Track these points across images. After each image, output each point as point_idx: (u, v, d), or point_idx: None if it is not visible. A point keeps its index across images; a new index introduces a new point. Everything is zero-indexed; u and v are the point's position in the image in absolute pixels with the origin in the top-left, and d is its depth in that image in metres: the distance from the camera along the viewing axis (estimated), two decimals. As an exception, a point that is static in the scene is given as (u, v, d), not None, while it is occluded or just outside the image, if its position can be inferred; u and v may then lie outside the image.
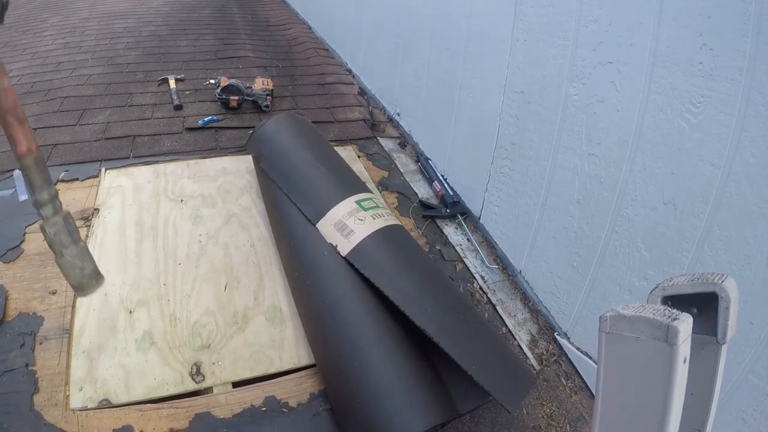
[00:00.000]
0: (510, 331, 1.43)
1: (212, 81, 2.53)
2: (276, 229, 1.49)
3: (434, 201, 1.90)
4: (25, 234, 1.45)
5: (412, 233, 1.59)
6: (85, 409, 1.06)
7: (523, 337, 1.41)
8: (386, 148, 2.22)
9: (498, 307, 1.49)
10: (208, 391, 1.14)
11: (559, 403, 1.25)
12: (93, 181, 1.72)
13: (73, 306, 1.26)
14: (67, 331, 1.20)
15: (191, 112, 2.25)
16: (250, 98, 2.33)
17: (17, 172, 1.69)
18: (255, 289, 1.39)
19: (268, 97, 2.35)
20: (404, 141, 2.30)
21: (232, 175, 1.83)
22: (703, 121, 0.96)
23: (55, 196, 0.87)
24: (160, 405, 1.09)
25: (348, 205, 1.32)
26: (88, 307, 1.26)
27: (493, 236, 1.69)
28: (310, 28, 3.82)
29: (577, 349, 1.34)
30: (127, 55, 2.86)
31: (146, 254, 1.44)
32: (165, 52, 2.97)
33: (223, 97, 2.28)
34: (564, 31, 1.25)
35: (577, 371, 1.34)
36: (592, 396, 0.90)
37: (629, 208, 1.14)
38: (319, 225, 1.30)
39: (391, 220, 1.33)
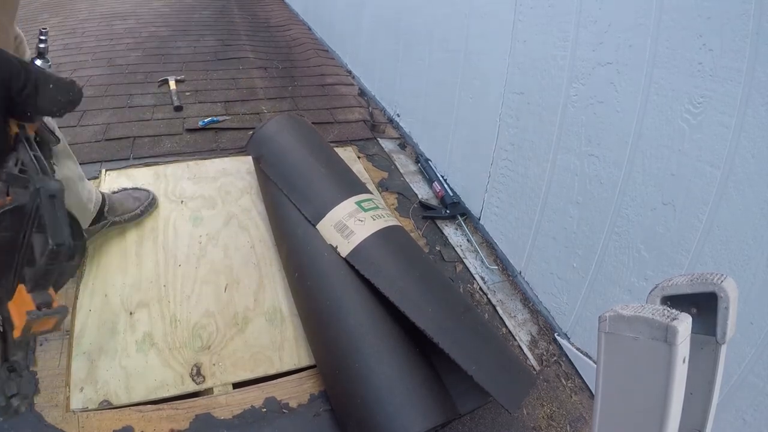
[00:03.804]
0: (510, 331, 1.43)
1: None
2: (276, 230, 1.49)
3: (434, 202, 1.90)
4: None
5: (412, 234, 1.59)
6: (86, 410, 1.06)
7: (523, 338, 1.41)
8: (386, 149, 2.22)
9: (498, 308, 1.49)
10: (208, 392, 1.14)
11: (559, 403, 1.25)
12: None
13: (74, 307, 1.26)
14: (68, 333, 1.20)
15: (191, 113, 2.25)
16: None
17: None
18: (255, 290, 1.39)
19: None
20: (404, 142, 2.30)
21: (232, 176, 1.83)
22: (702, 122, 0.96)
23: None
24: (160, 406, 1.09)
25: (348, 206, 1.32)
26: (88, 308, 1.27)
27: (493, 237, 1.69)
28: (310, 29, 3.82)
29: (577, 349, 1.34)
30: (127, 56, 2.86)
31: (146, 256, 1.44)
32: (165, 53, 2.97)
33: None
34: (564, 32, 1.25)
35: (577, 371, 1.34)
36: (593, 396, 0.90)
37: (629, 208, 1.14)
38: (319, 226, 1.30)
39: (391, 221, 1.33)
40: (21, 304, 0.52)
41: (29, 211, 0.52)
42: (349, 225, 1.26)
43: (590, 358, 1.30)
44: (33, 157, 0.57)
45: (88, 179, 1.55)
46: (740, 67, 0.87)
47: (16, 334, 0.52)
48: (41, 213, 0.53)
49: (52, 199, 0.55)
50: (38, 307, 0.54)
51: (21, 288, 0.52)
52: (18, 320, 0.52)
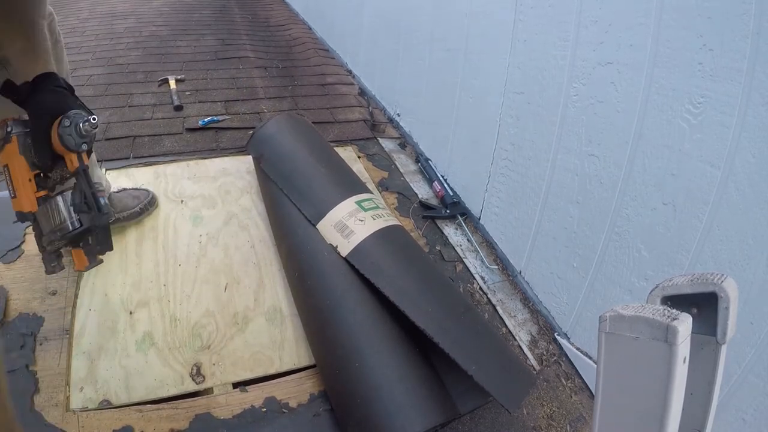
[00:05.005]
0: (510, 331, 1.43)
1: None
2: (276, 230, 1.49)
3: (434, 201, 1.90)
4: (25, 235, 1.45)
5: (412, 234, 1.59)
6: (86, 409, 1.06)
7: (523, 338, 1.41)
8: (386, 149, 2.22)
9: (498, 308, 1.49)
10: (208, 391, 1.14)
11: (559, 403, 1.26)
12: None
13: (74, 307, 1.26)
14: (68, 332, 1.20)
15: (191, 112, 2.25)
16: None
17: None
18: (255, 289, 1.39)
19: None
20: (404, 141, 2.30)
21: (232, 176, 1.83)
22: (703, 122, 0.96)
23: None
24: (160, 405, 1.09)
25: (348, 205, 1.32)
26: (88, 307, 1.27)
27: (493, 237, 1.69)
28: (310, 29, 3.82)
29: (578, 349, 1.34)
30: (128, 56, 2.86)
31: (146, 255, 1.44)
32: (165, 52, 2.97)
33: None
34: (564, 32, 1.25)
35: (577, 371, 1.34)
36: (593, 396, 0.90)
37: (629, 208, 1.14)
38: (319, 225, 1.30)
39: (391, 221, 1.33)
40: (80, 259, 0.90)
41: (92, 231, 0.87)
42: (349, 225, 1.26)
43: (590, 358, 1.30)
44: (90, 193, 0.85)
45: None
46: (740, 67, 0.87)
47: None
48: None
49: (108, 223, 0.93)
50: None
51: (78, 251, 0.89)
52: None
